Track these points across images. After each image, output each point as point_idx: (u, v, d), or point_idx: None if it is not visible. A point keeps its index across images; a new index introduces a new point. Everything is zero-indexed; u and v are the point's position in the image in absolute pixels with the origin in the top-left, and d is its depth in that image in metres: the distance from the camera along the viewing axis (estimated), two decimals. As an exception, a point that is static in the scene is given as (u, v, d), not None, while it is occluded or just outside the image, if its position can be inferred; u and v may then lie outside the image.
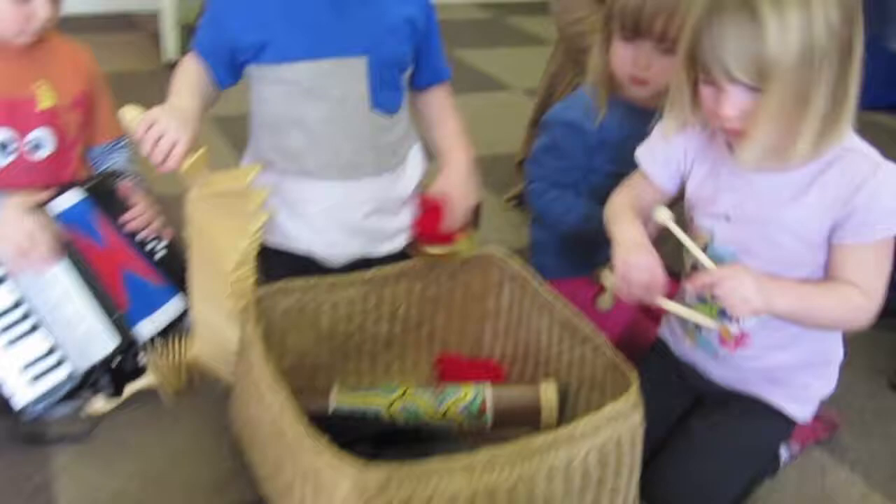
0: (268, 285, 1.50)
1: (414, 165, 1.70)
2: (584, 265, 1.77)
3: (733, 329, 1.43)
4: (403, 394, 1.51)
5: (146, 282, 1.64)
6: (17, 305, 1.54)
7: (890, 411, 1.78)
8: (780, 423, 1.49)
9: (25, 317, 1.54)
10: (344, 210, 1.61)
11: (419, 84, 1.68)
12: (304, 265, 1.64)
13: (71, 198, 1.63)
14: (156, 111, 1.36)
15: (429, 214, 1.62)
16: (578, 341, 1.51)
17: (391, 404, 1.50)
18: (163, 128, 1.34)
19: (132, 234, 1.68)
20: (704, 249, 1.40)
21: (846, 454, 1.64)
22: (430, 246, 1.62)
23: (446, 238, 1.62)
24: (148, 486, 1.45)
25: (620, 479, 1.32)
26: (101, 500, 1.42)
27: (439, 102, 1.71)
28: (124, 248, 1.65)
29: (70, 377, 1.54)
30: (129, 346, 1.58)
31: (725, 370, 1.49)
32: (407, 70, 1.63)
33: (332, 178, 1.59)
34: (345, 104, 1.55)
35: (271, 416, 1.27)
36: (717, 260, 1.38)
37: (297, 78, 1.53)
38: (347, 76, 1.53)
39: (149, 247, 1.69)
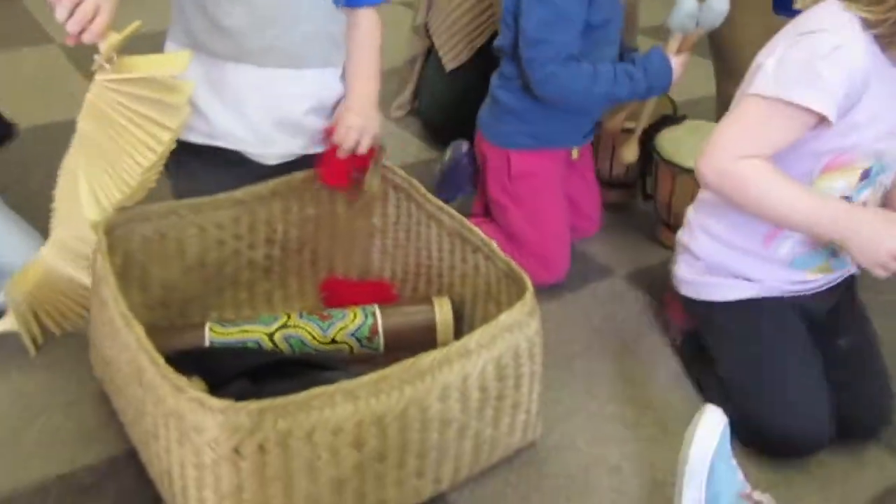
0: (120, 213, 1.33)
1: None
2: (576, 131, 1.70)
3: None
4: (285, 323, 1.38)
5: None
6: None
7: None
8: None
9: None
10: (283, 103, 1.46)
11: (349, 1, 1.49)
12: (232, 163, 1.49)
13: None
14: None
15: (328, 153, 1.47)
16: (470, 251, 1.40)
17: (273, 334, 1.37)
18: None
19: None
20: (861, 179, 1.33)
21: None
22: (332, 183, 1.49)
23: (348, 173, 1.48)
24: (2, 445, 1.30)
25: (521, 392, 1.22)
26: (-52, 467, 1.26)
27: (365, 27, 1.52)
28: None
29: None
30: None
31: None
32: None
33: (274, 64, 1.43)
34: None
35: (128, 355, 1.13)
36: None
37: None
38: None
39: None
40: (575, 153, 1.74)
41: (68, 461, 1.28)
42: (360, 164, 1.48)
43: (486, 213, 1.80)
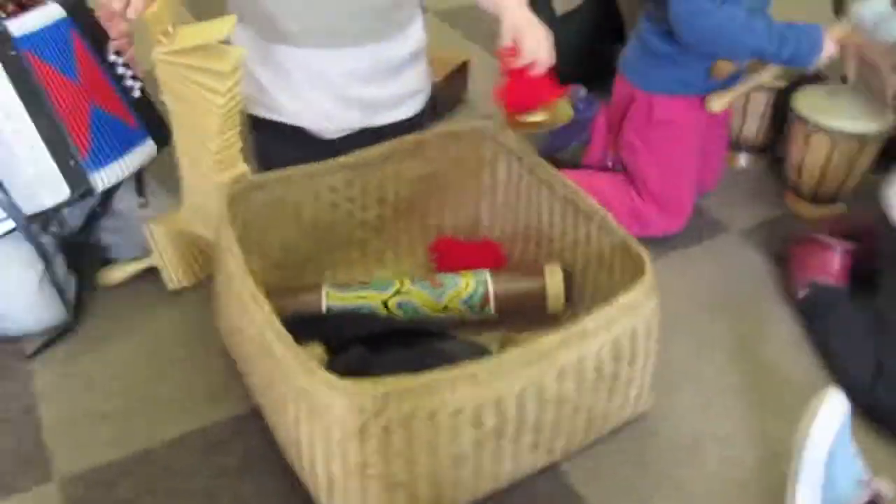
0: (240, 181, 1.37)
1: (414, 34, 1.54)
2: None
3: None
4: (399, 290, 1.41)
5: (118, 120, 1.44)
6: None
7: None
8: None
9: None
10: (330, 79, 1.47)
11: None
12: (300, 137, 1.52)
13: (48, 14, 1.37)
14: None
15: (514, 79, 1.39)
16: (583, 219, 1.40)
17: (387, 301, 1.40)
18: None
19: (112, 65, 1.44)
20: None
21: None
22: (526, 114, 1.41)
23: (540, 100, 1.41)
24: (135, 401, 1.37)
25: (635, 369, 1.23)
26: (89, 420, 1.34)
27: None
28: (101, 81, 1.42)
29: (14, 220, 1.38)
30: (84, 195, 1.40)
31: None
32: None
33: (312, 45, 1.44)
34: None
35: (256, 329, 1.17)
36: None
37: None
38: None
39: (127, 83, 1.47)
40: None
41: (199, 417, 1.35)
42: (548, 86, 1.40)
43: (601, 163, 1.79)
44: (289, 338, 1.09)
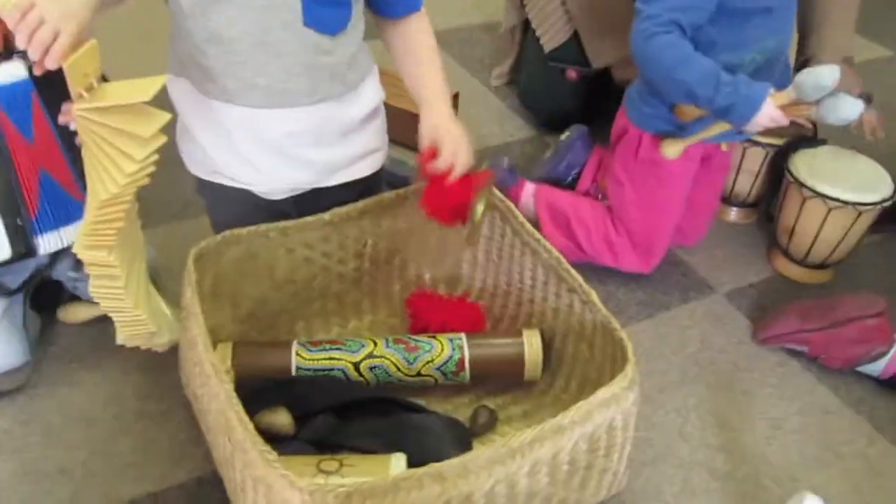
0: (210, 237, 1.32)
1: (368, 93, 1.43)
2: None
3: None
4: (371, 352, 1.36)
5: (63, 190, 1.35)
6: None
7: None
8: None
9: None
10: (274, 140, 1.36)
11: (385, 12, 1.39)
12: (247, 198, 1.42)
13: (11, 72, 1.29)
14: None
15: (433, 184, 1.35)
16: (565, 290, 1.36)
17: (359, 363, 1.35)
18: (41, 14, 1.06)
19: (67, 133, 1.31)
20: None
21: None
22: (449, 220, 1.38)
23: (458, 206, 1.36)
24: (95, 455, 1.33)
25: (611, 459, 1.19)
26: (45, 475, 1.30)
27: (411, 36, 1.40)
28: (53, 147, 1.33)
29: None
30: (23, 256, 1.34)
31: None
32: None
33: (256, 104, 1.32)
34: (269, 16, 1.25)
35: (218, 406, 1.13)
36: None
37: None
38: None
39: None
40: (724, 146, 1.66)
41: (159, 478, 1.30)
42: (470, 189, 1.35)
43: (589, 195, 1.79)
44: (250, 424, 1.05)
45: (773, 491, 1.34)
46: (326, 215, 1.40)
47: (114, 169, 1.12)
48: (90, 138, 1.13)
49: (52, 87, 1.23)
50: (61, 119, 1.25)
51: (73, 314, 1.53)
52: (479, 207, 1.34)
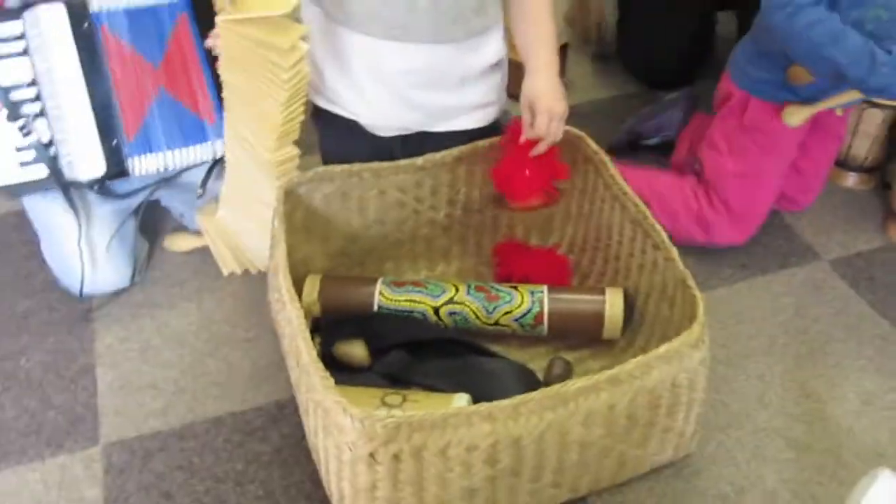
0: (302, 173, 1.36)
1: (491, 45, 1.42)
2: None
3: None
4: (452, 298, 1.38)
5: (188, 112, 1.42)
6: (33, 84, 1.36)
7: None
8: None
9: (37, 99, 1.37)
10: (390, 76, 1.39)
11: None
12: (355, 131, 1.46)
13: None
14: None
15: (513, 161, 1.38)
16: (651, 246, 1.33)
17: (439, 308, 1.38)
18: None
19: (211, 54, 1.36)
20: None
21: None
22: (519, 203, 1.43)
23: (536, 190, 1.40)
24: (185, 375, 1.41)
25: (675, 419, 1.18)
26: (139, 388, 1.39)
27: None
28: (190, 71, 1.39)
29: (49, 179, 1.40)
30: (116, 176, 1.42)
31: None
32: None
33: (377, 34, 1.35)
34: None
35: (290, 330, 1.17)
36: None
37: None
38: None
39: None
40: (839, 110, 1.58)
41: (241, 399, 1.38)
42: (553, 173, 1.40)
43: (688, 166, 1.72)
44: (314, 350, 1.09)
45: (855, 467, 1.29)
46: (420, 160, 1.41)
47: (269, 75, 1.21)
48: (237, 48, 1.22)
49: (209, 13, 1.29)
50: (208, 42, 1.33)
51: (179, 243, 1.61)
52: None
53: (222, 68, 1.31)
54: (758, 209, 1.60)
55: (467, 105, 1.44)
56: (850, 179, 1.81)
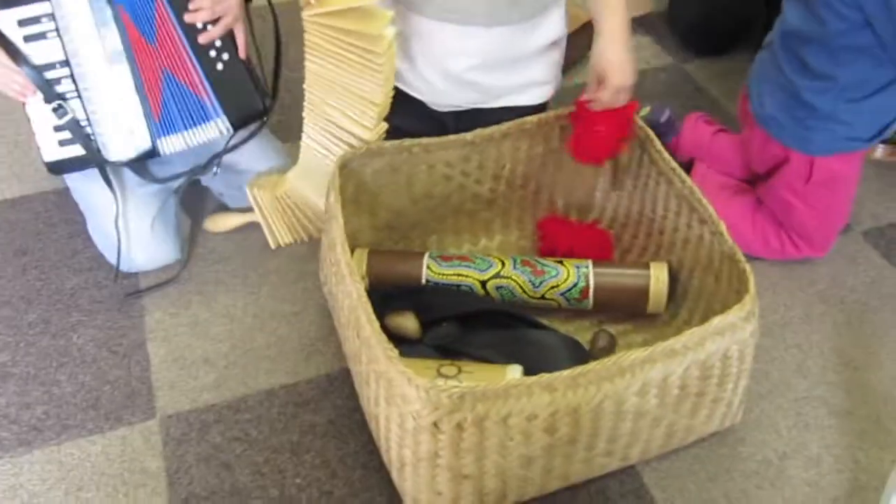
0: (355, 148, 1.39)
1: (549, 25, 1.44)
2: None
3: None
4: (499, 272, 1.40)
5: (189, 91, 1.42)
6: (66, 65, 1.38)
7: None
8: None
9: (70, 79, 1.39)
10: (445, 56, 1.42)
11: None
12: (417, 105, 1.50)
13: None
14: None
15: (585, 128, 1.42)
16: (696, 220, 1.35)
17: (486, 282, 1.40)
18: None
19: (193, 32, 1.39)
20: None
21: None
22: (594, 160, 1.47)
23: (610, 149, 1.44)
24: (235, 349, 1.44)
25: (724, 389, 1.21)
26: (191, 362, 1.42)
27: None
28: (177, 48, 1.40)
29: (87, 157, 1.43)
30: (147, 156, 1.45)
31: None
32: None
33: (432, 15, 1.38)
34: None
35: (350, 304, 1.20)
36: None
37: None
38: None
39: (211, 53, 1.41)
40: None
41: (292, 372, 1.40)
42: (622, 131, 1.42)
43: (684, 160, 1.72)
44: (377, 322, 1.11)
45: (894, 432, 1.32)
46: (469, 135, 1.43)
47: (363, 62, 1.27)
48: (326, 40, 1.28)
49: None
50: (187, 17, 1.34)
51: (220, 223, 1.63)
52: (626, 156, 1.40)
53: (308, 61, 1.35)
54: (835, 234, 1.60)
55: (522, 83, 1.47)
56: (879, 151, 1.83)
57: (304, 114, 1.43)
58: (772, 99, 1.51)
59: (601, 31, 1.36)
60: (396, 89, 1.45)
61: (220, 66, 1.42)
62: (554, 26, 1.44)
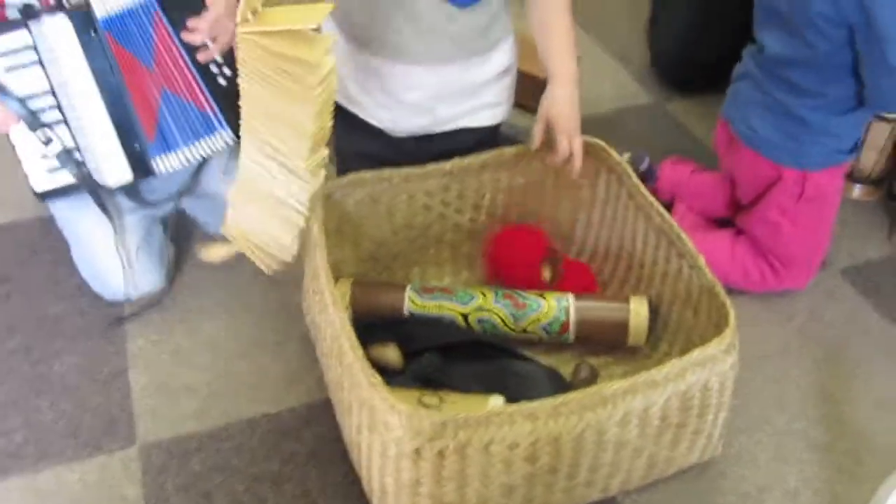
0: (337, 178, 1.40)
1: (499, 56, 1.47)
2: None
3: None
4: (480, 305, 1.41)
5: (191, 107, 1.44)
6: (52, 94, 1.40)
7: None
8: None
9: (57, 108, 1.40)
10: (399, 90, 1.44)
11: None
12: (369, 129, 1.51)
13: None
14: None
15: (506, 246, 1.51)
16: (675, 254, 1.37)
17: (467, 314, 1.41)
18: None
19: (194, 48, 1.39)
20: None
21: None
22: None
23: (529, 271, 1.51)
24: (218, 377, 1.44)
25: (705, 421, 1.21)
26: (173, 390, 1.42)
27: (549, 8, 1.41)
28: (179, 65, 1.42)
29: (78, 185, 1.44)
30: (143, 176, 1.47)
31: None
32: None
33: (386, 56, 1.41)
34: None
35: (332, 332, 1.21)
36: None
37: None
38: None
39: (212, 68, 1.44)
40: None
41: (274, 401, 1.40)
42: (538, 248, 1.53)
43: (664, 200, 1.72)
44: (360, 350, 1.12)
45: (871, 466, 1.33)
46: (448, 165, 1.46)
47: (297, 88, 1.19)
48: (259, 61, 1.20)
49: (177, 6, 1.34)
50: (185, 36, 1.36)
51: (212, 253, 1.62)
52: (547, 273, 1.49)
53: (241, 78, 1.28)
54: (817, 263, 1.62)
55: (477, 106, 1.49)
56: (857, 191, 1.86)
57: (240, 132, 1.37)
58: (762, 121, 1.53)
59: (551, 76, 1.40)
60: (356, 118, 1.48)
61: (222, 81, 1.44)
62: (503, 56, 1.47)
